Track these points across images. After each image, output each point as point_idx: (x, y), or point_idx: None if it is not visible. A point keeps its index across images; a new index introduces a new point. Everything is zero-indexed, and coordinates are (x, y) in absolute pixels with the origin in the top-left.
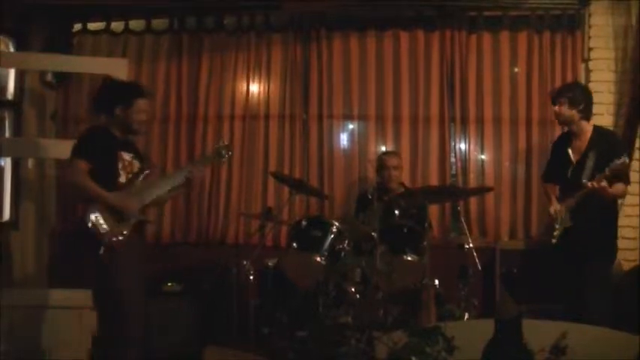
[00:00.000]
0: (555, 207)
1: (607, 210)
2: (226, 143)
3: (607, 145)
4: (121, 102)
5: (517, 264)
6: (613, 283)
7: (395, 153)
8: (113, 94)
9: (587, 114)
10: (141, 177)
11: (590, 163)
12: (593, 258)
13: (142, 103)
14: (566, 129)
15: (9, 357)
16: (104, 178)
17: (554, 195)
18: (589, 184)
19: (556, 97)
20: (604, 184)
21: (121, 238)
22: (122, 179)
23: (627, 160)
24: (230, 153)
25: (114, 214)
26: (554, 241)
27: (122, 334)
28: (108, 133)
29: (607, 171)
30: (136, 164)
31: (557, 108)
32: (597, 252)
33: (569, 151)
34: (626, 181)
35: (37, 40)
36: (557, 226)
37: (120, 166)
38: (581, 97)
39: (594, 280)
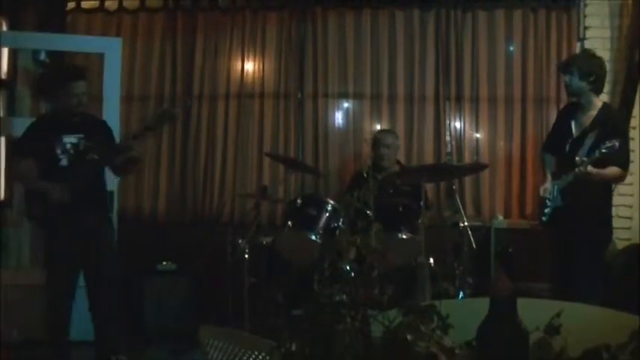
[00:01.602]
0: (545, 185)
1: (600, 190)
2: (169, 108)
3: (609, 125)
4: (55, 86)
5: (512, 242)
6: (606, 261)
7: (390, 131)
8: (48, 80)
9: (597, 87)
10: (88, 157)
11: (589, 142)
12: (586, 239)
13: (75, 86)
14: (574, 99)
15: (5, 335)
16: (45, 166)
17: (553, 168)
18: (576, 169)
19: (566, 67)
20: (590, 169)
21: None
22: (64, 162)
23: (617, 144)
24: (174, 117)
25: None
26: (544, 219)
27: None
28: (47, 121)
29: (597, 153)
30: (84, 144)
31: (566, 78)
32: (590, 233)
33: (572, 123)
34: (623, 165)
35: (30, 19)
36: (548, 204)
37: (59, 150)
38: (592, 68)
39: (586, 262)
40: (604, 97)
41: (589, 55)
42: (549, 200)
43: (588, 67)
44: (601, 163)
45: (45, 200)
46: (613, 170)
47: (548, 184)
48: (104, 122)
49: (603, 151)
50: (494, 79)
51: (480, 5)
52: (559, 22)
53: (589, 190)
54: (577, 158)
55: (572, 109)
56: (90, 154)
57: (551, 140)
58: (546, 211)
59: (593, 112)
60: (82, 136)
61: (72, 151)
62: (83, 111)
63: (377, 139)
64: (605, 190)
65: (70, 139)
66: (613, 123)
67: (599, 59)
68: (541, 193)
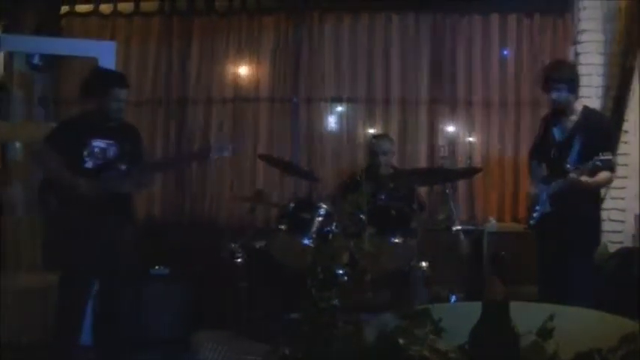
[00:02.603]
0: (532, 190)
1: (589, 196)
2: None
3: (595, 129)
4: (97, 90)
5: (505, 246)
6: (597, 265)
7: (387, 137)
8: (91, 83)
9: (575, 94)
10: (116, 164)
11: (576, 147)
12: (574, 242)
13: (117, 93)
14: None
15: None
16: (71, 165)
17: (542, 174)
18: (569, 175)
19: (553, 82)
20: (584, 178)
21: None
22: (89, 165)
23: (611, 157)
24: (228, 150)
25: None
26: (532, 222)
27: (62, 307)
28: (82, 121)
29: (590, 165)
30: (113, 150)
31: (554, 94)
32: (579, 237)
33: (555, 129)
34: (612, 168)
35: (25, 23)
36: (537, 208)
37: (86, 152)
38: (569, 76)
39: (575, 265)
40: (597, 102)
41: (570, 67)
42: (537, 205)
43: (567, 76)
44: (592, 170)
45: (64, 198)
46: (605, 176)
47: (534, 189)
48: (137, 131)
49: (598, 163)
50: (489, 83)
51: (474, 9)
52: (554, 26)
53: (577, 194)
54: (568, 166)
55: (554, 115)
56: (117, 162)
57: (536, 148)
58: (535, 215)
59: (575, 117)
60: (112, 142)
61: (99, 156)
62: (120, 118)
63: (373, 146)
64: (593, 193)
65: (99, 144)
66: (598, 126)
67: (574, 66)
68: (530, 196)
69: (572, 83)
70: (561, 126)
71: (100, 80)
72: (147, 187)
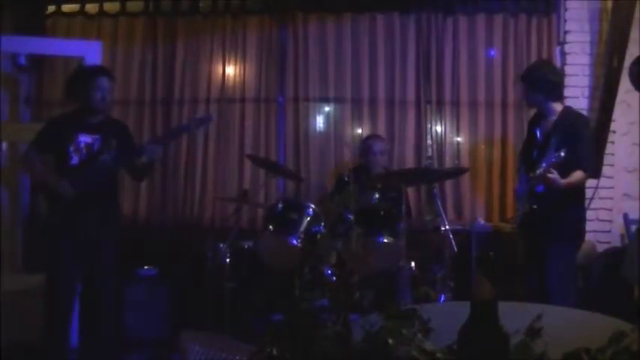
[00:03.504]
0: (517, 190)
1: (569, 194)
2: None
3: (570, 129)
4: (81, 82)
5: (493, 246)
6: (585, 264)
7: (380, 137)
8: (75, 76)
9: (554, 95)
10: (100, 157)
11: (552, 148)
12: (553, 243)
13: (102, 81)
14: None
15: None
16: (57, 162)
17: (525, 175)
18: (536, 173)
19: (522, 80)
20: (552, 175)
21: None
22: (74, 161)
23: (562, 154)
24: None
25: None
26: (516, 222)
27: (49, 309)
28: (67, 119)
29: (549, 164)
30: (99, 145)
31: (524, 91)
32: (556, 237)
33: (537, 130)
34: (584, 166)
35: (9, 23)
36: (519, 208)
37: (72, 148)
38: (545, 78)
39: (555, 264)
40: (584, 102)
41: (541, 66)
42: (520, 205)
43: (540, 78)
44: (566, 168)
45: (52, 199)
46: (578, 175)
47: (518, 190)
48: (126, 126)
49: (552, 159)
50: (475, 83)
51: (460, 10)
52: (539, 27)
53: (554, 193)
54: (543, 164)
55: (537, 117)
56: (104, 155)
57: (524, 149)
58: (518, 214)
59: (554, 118)
60: (98, 137)
61: (85, 151)
62: (107, 112)
63: (368, 147)
64: (571, 192)
65: (85, 139)
66: (570, 126)
67: (551, 67)
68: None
69: (537, 83)
70: (542, 127)
71: (82, 72)
72: (147, 171)
